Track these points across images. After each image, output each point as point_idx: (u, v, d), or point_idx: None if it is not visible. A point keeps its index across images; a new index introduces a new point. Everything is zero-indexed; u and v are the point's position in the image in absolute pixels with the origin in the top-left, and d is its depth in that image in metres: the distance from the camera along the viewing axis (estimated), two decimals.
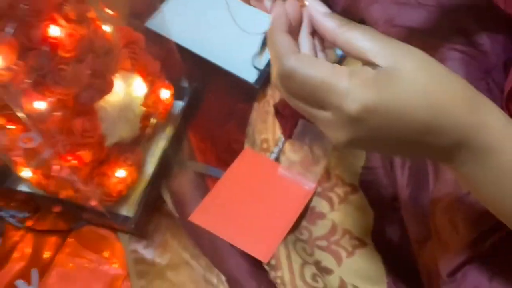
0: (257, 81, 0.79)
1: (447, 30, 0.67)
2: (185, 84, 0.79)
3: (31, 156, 0.61)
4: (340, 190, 0.70)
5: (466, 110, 0.36)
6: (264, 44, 0.80)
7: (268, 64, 0.80)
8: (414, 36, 0.74)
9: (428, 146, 0.38)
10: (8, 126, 0.56)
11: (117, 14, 0.62)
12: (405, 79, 0.36)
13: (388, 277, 0.66)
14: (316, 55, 0.43)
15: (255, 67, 0.79)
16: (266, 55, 0.80)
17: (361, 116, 0.35)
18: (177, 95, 0.77)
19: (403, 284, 0.66)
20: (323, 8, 0.40)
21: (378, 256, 0.67)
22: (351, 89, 0.35)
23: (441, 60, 0.58)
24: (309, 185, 0.71)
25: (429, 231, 0.62)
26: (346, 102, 0.35)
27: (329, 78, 0.36)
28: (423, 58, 0.37)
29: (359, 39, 0.37)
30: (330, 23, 0.39)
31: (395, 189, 0.69)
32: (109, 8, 0.62)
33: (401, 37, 0.73)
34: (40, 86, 0.49)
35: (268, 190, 0.72)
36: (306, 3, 0.41)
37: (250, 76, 0.79)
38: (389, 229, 0.69)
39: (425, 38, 0.73)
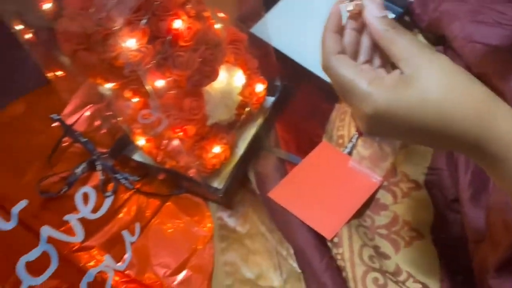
0: None
1: None
2: (277, 82, 0.89)
3: (147, 129, 0.75)
4: (404, 186, 0.77)
5: (477, 123, 0.38)
6: None
7: None
8: (489, 52, 0.79)
9: (442, 145, 0.42)
10: (133, 99, 0.70)
11: (227, 16, 0.75)
12: (421, 89, 0.38)
13: (441, 271, 0.70)
14: (356, 48, 0.47)
15: None
16: None
17: (374, 117, 0.40)
18: (269, 91, 0.87)
19: (455, 280, 0.69)
20: (379, 12, 0.43)
21: (434, 250, 0.73)
22: (368, 93, 0.40)
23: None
24: (376, 178, 0.78)
25: (485, 232, 0.66)
26: (362, 103, 0.40)
27: (353, 80, 0.41)
28: (446, 68, 0.39)
29: (396, 44, 0.41)
30: (379, 26, 0.43)
31: (457, 191, 0.74)
32: (221, 11, 0.74)
33: (477, 51, 0.79)
34: (161, 67, 0.62)
35: (338, 179, 0.80)
36: (363, 2, 0.44)
37: None
38: (448, 227, 0.74)
39: (501, 54, 0.78)
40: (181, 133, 0.71)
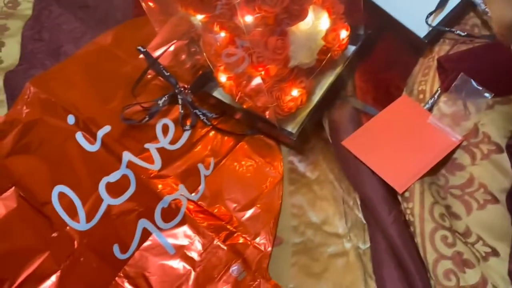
0: (426, 36, 0.84)
1: None
2: (361, 31, 0.87)
3: (231, 66, 0.76)
4: (484, 147, 0.75)
5: None
6: (441, 3, 0.85)
7: (440, 23, 0.85)
8: None
9: None
10: (221, 34, 0.71)
11: None
12: None
13: None
14: None
15: (428, 24, 0.84)
16: (441, 14, 0.85)
17: None
18: (352, 40, 0.85)
19: None
20: None
21: (508, 216, 0.71)
22: None
23: None
24: (456, 137, 0.76)
25: None
26: None
27: None
28: None
29: None
30: None
31: None
32: None
33: None
34: (252, 2, 0.63)
35: (415, 134, 0.78)
36: None
37: (421, 31, 0.84)
38: None
39: None
40: (262, 72, 0.72)
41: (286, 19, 0.66)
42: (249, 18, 0.64)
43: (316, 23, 0.73)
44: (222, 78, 0.80)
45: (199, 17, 0.71)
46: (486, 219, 0.71)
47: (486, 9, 0.83)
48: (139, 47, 0.91)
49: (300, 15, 0.67)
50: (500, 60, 0.76)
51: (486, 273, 0.68)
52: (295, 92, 0.78)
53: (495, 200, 0.72)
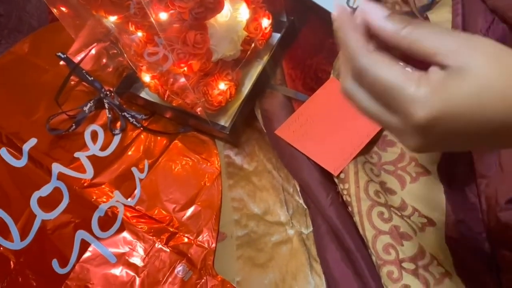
0: None
1: None
2: (283, 18, 0.87)
3: (154, 65, 0.75)
4: None
5: None
6: None
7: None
8: None
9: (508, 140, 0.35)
10: (138, 33, 0.69)
11: None
12: (475, 78, 0.33)
13: (447, 205, 0.70)
14: None
15: (349, 6, 0.85)
16: None
17: (430, 124, 0.33)
18: (276, 28, 0.85)
19: (461, 213, 0.69)
20: (381, 11, 0.37)
21: (440, 185, 0.72)
22: (419, 96, 0.33)
23: None
24: None
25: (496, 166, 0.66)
26: (414, 109, 0.34)
27: (398, 83, 0.34)
28: (496, 50, 0.34)
29: (424, 39, 0.35)
30: (390, 26, 0.36)
31: None
32: None
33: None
34: (164, 1, 0.61)
35: (346, 116, 0.79)
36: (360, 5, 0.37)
37: None
38: (455, 164, 0.73)
39: None
40: (185, 69, 0.70)
41: (202, 13, 0.64)
42: (163, 15, 0.63)
43: (235, 14, 0.73)
44: (146, 78, 0.78)
45: (112, 19, 0.68)
46: (419, 191, 0.73)
47: None
48: (59, 54, 0.87)
49: (216, 8, 0.66)
50: None
51: (423, 243, 0.69)
52: (222, 86, 0.77)
53: (427, 172, 0.73)
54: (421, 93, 0.33)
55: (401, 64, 0.36)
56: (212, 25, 0.69)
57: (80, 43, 0.83)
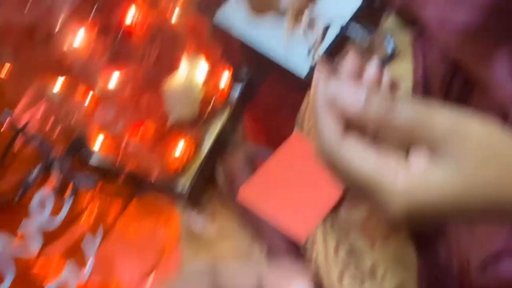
0: (308, 75, 0.83)
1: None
2: (243, 74, 0.85)
3: (105, 128, 0.70)
4: None
5: None
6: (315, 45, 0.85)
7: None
8: (468, 34, 0.74)
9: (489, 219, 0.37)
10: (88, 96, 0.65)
11: (186, 2, 0.69)
12: (464, 173, 0.32)
13: (419, 264, 0.68)
14: None
15: (309, 64, 0.83)
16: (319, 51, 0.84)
17: (404, 218, 0.33)
18: (236, 83, 0.83)
19: (434, 272, 0.68)
20: (355, 96, 0.35)
21: (411, 244, 0.69)
22: (397, 192, 0.33)
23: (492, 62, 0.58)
24: None
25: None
26: (390, 204, 0.33)
27: (374, 175, 0.33)
28: (484, 138, 0.33)
29: (409, 124, 0.33)
30: (371, 114, 0.34)
31: None
32: None
33: (454, 34, 0.74)
34: (115, 62, 0.57)
35: (311, 172, 0.75)
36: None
37: (302, 70, 0.83)
38: None
39: (479, 35, 0.73)
40: (140, 132, 0.66)
41: (155, 75, 0.61)
42: (114, 77, 0.59)
43: (192, 73, 0.69)
44: (97, 141, 0.73)
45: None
46: (390, 250, 0.70)
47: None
48: (3, 114, 0.81)
49: (171, 67, 0.63)
50: None
51: None
52: (180, 148, 0.73)
53: (398, 230, 0.70)
54: (399, 188, 0.33)
55: (375, 152, 0.35)
56: (167, 86, 0.66)
57: (24, 105, 0.77)
